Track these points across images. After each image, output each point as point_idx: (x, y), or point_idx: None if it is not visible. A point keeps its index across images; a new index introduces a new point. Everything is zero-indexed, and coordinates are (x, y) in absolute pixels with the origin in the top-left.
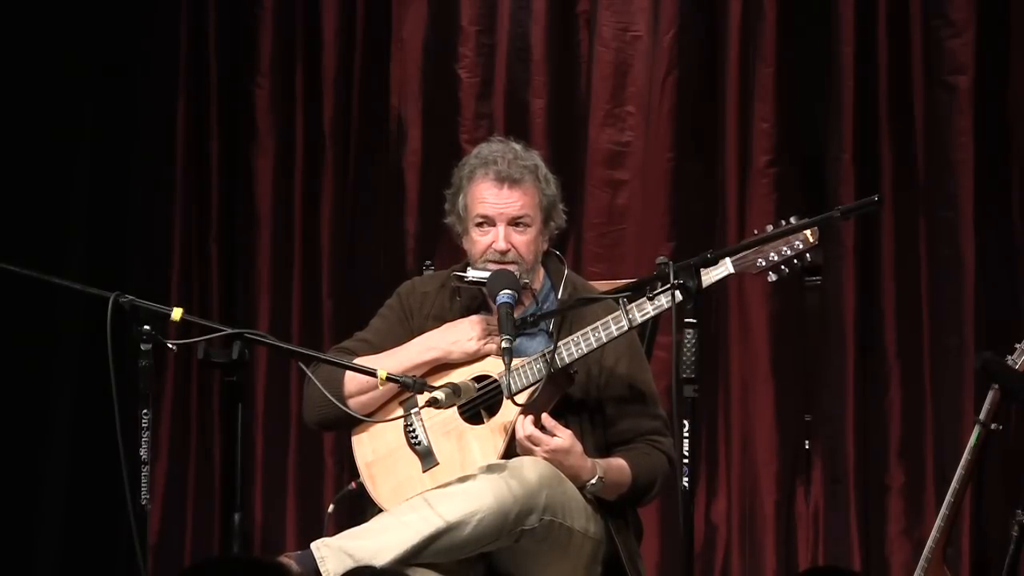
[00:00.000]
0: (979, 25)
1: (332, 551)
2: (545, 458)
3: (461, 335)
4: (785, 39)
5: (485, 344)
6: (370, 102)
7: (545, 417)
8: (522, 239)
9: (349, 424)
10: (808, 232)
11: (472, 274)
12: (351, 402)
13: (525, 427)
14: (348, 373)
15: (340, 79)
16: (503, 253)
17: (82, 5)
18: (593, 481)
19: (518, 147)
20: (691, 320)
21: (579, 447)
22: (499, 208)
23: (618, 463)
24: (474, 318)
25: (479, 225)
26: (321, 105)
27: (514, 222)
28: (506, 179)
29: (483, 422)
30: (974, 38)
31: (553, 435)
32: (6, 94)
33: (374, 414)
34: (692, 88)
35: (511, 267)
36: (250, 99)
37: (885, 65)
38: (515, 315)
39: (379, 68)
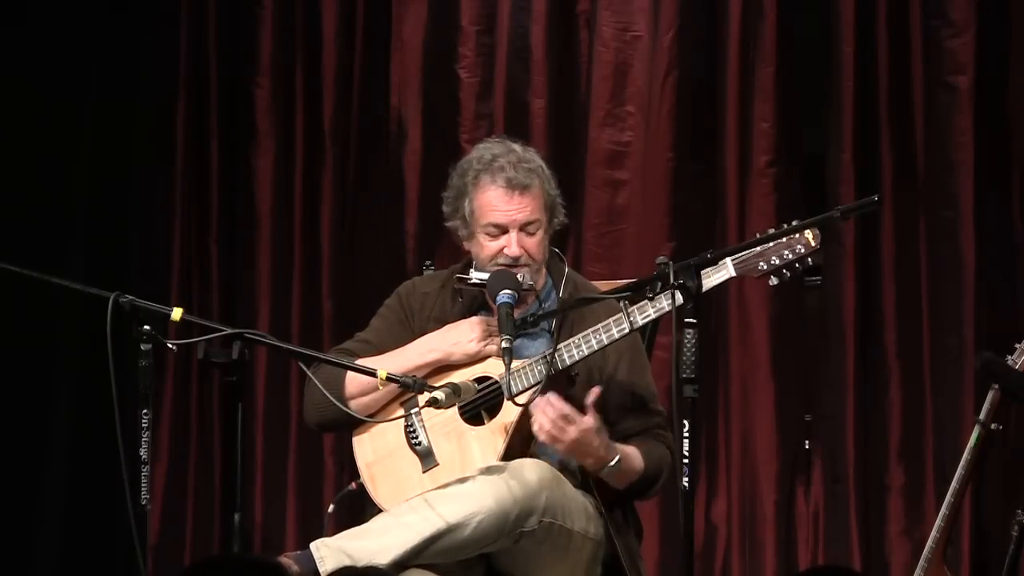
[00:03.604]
0: (979, 25)
1: (331, 551)
2: (574, 439)
3: (462, 337)
4: (785, 39)
5: (486, 346)
6: (370, 102)
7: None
8: (532, 241)
9: (350, 425)
10: (810, 236)
11: (476, 276)
12: (352, 403)
13: (557, 404)
14: (349, 374)
15: (340, 79)
16: (515, 259)
17: (82, 5)
18: (612, 463)
19: (517, 147)
20: (691, 320)
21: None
22: (511, 216)
23: (632, 451)
24: (475, 319)
25: (489, 232)
26: (321, 105)
27: (524, 227)
28: (517, 186)
29: (484, 423)
30: (974, 38)
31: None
32: (6, 94)
33: (375, 415)
34: (692, 88)
35: (523, 270)
36: (250, 99)
37: (885, 65)
38: (517, 314)
39: (379, 68)
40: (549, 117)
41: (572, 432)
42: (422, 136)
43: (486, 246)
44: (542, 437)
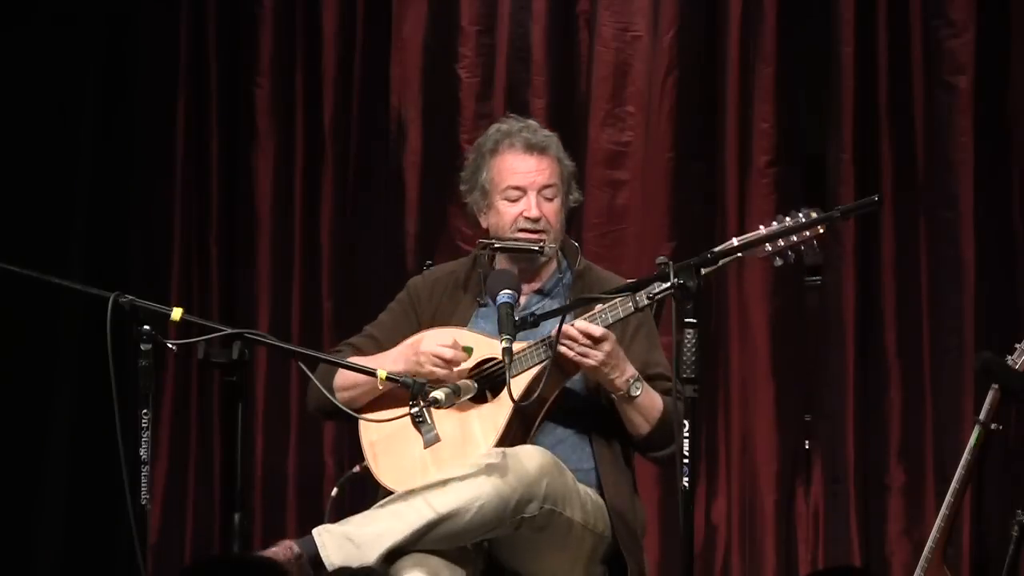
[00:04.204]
0: (979, 25)
1: (333, 537)
2: (608, 352)
3: (419, 357)
4: (785, 39)
5: (434, 368)
6: (370, 102)
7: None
8: (550, 207)
9: (348, 417)
10: (815, 215)
11: (500, 242)
12: (339, 395)
13: (591, 329)
14: (339, 369)
15: (340, 79)
16: (535, 220)
17: (82, 5)
18: (635, 380)
19: (532, 122)
20: (691, 320)
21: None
22: (531, 177)
23: (649, 387)
24: (442, 342)
25: (509, 197)
26: (321, 105)
27: (542, 191)
28: (535, 147)
29: (486, 401)
30: (974, 38)
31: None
32: (6, 94)
33: (377, 407)
34: (692, 88)
35: (543, 236)
36: (250, 99)
37: (885, 65)
38: (537, 285)
39: (379, 68)
40: (549, 117)
41: (607, 347)
42: (422, 136)
43: (505, 212)
44: (573, 357)
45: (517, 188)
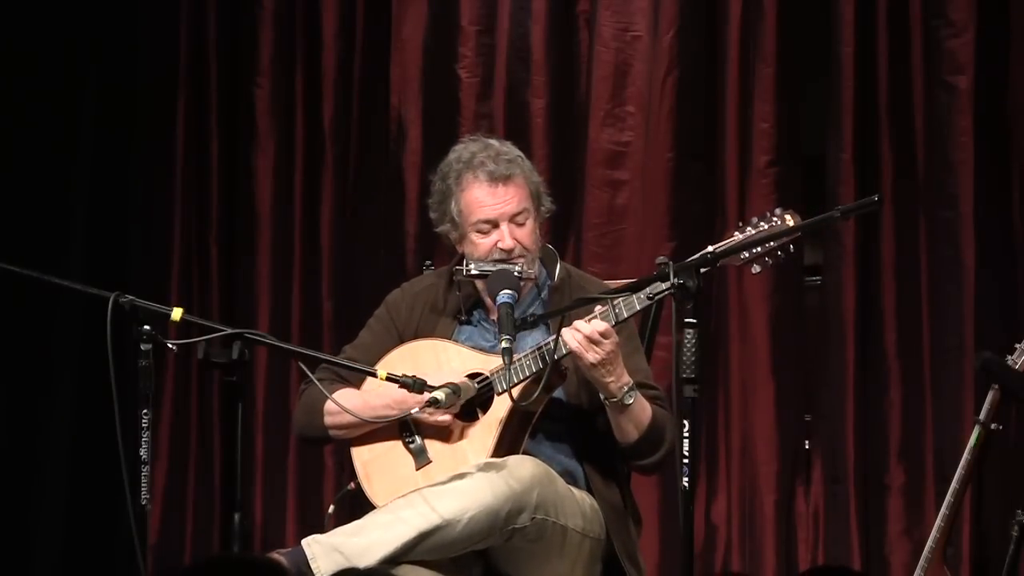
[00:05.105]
0: (979, 25)
1: (323, 548)
2: (609, 352)
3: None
4: (785, 39)
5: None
6: (370, 102)
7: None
8: (523, 231)
9: (329, 443)
10: (788, 217)
11: (475, 267)
12: (331, 432)
13: (596, 324)
14: (327, 405)
15: (340, 79)
16: (510, 251)
17: (82, 4)
18: (628, 388)
19: (494, 142)
20: (691, 320)
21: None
22: (499, 209)
23: (640, 396)
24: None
25: (480, 230)
26: (321, 105)
27: (514, 218)
28: (500, 178)
29: (476, 419)
30: (974, 38)
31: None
32: (6, 94)
33: (368, 432)
34: (692, 88)
35: (519, 260)
36: (250, 99)
37: (885, 65)
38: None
39: (379, 68)
40: (549, 117)
41: (608, 345)
42: (422, 136)
43: (479, 244)
44: (574, 346)
45: (487, 222)
